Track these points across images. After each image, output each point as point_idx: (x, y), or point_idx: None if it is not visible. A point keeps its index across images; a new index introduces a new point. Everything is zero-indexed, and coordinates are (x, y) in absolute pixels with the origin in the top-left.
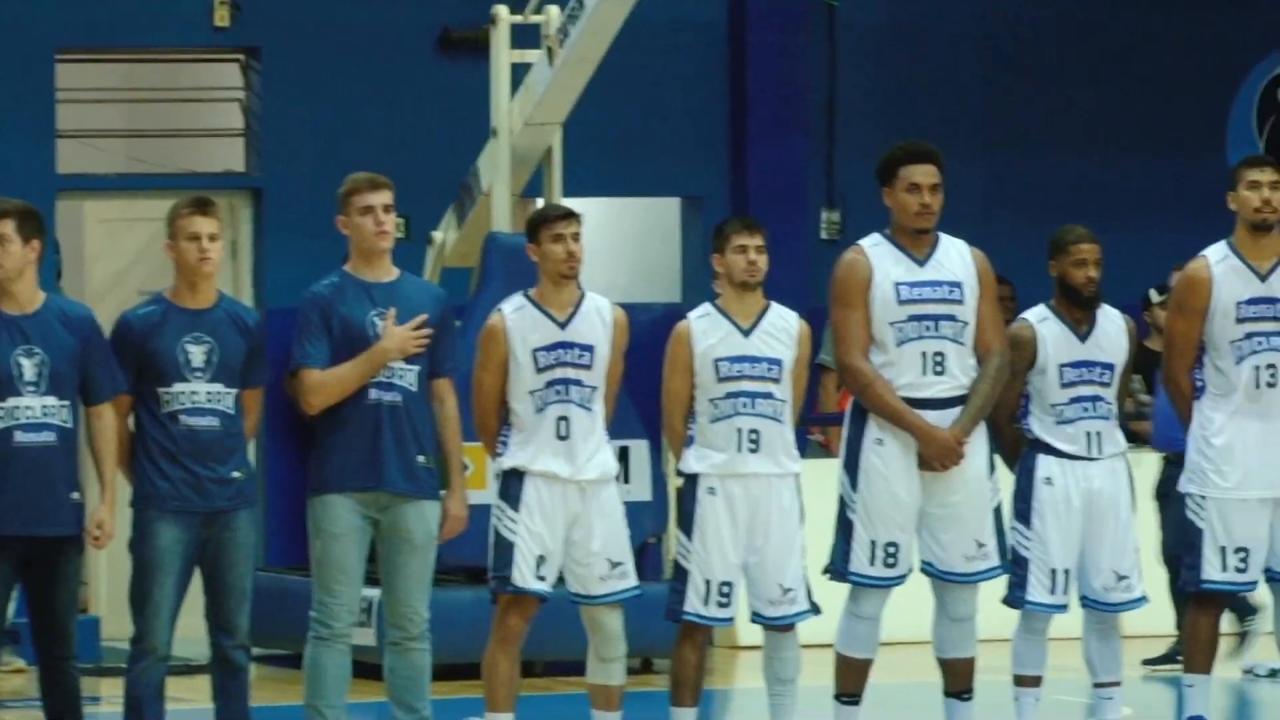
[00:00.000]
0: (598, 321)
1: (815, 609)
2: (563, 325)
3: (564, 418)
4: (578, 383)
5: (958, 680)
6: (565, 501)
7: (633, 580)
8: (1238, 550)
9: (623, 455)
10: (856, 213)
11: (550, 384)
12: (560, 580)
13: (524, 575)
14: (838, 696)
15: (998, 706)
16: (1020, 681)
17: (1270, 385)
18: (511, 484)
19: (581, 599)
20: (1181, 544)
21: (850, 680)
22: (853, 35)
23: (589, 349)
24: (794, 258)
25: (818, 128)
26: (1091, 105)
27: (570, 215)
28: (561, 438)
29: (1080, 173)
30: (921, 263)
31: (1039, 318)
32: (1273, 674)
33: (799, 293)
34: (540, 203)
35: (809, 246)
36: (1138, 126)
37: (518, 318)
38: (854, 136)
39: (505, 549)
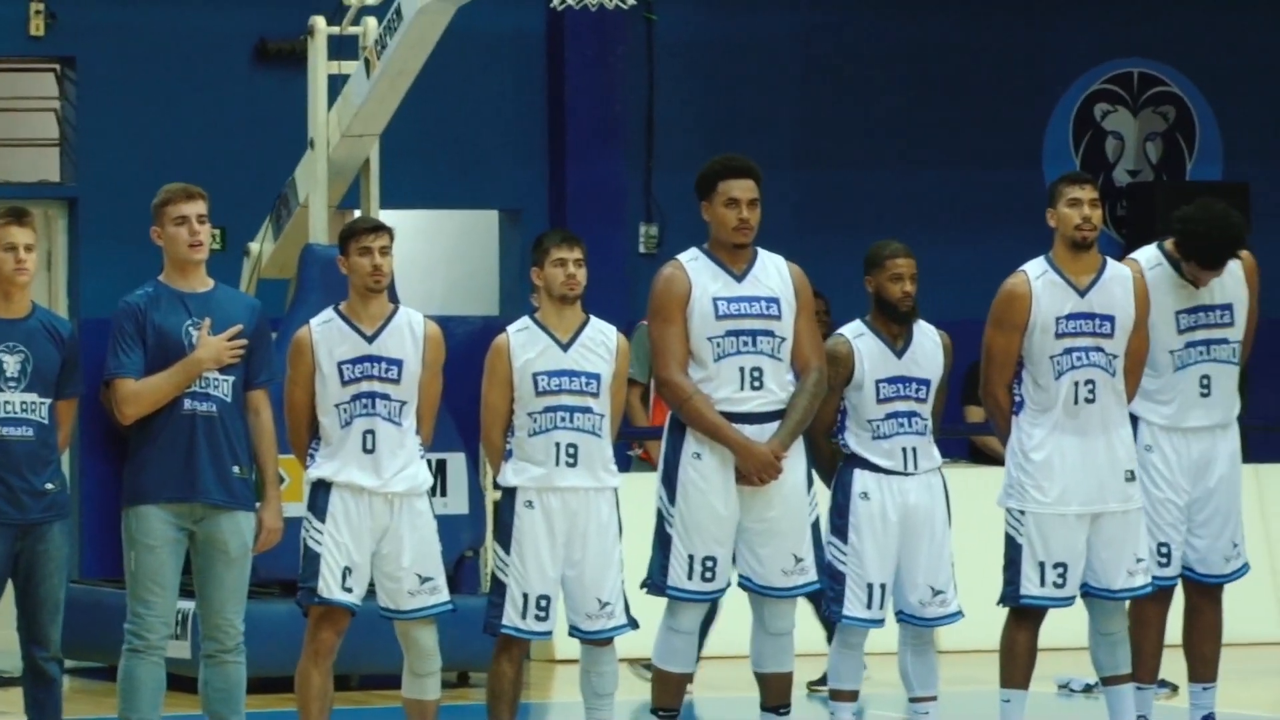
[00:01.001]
0: (408, 336)
1: (633, 623)
2: (370, 339)
3: (370, 431)
4: (385, 396)
5: (775, 695)
6: (372, 514)
7: (444, 595)
8: (1056, 565)
9: (440, 468)
10: (674, 227)
11: (356, 397)
12: (372, 593)
13: (329, 587)
14: (655, 711)
15: None
16: (836, 696)
17: (1089, 401)
18: (319, 496)
19: (391, 614)
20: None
21: (668, 695)
22: (671, 49)
23: (397, 363)
24: (612, 271)
25: (636, 141)
26: (908, 119)
27: (379, 229)
28: (367, 451)
29: (897, 187)
30: (739, 278)
31: (855, 333)
32: (1087, 689)
33: (617, 306)
34: (358, 214)
35: (627, 260)
36: (955, 141)
37: (324, 331)
38: (672, 150)
39: (312, 560)
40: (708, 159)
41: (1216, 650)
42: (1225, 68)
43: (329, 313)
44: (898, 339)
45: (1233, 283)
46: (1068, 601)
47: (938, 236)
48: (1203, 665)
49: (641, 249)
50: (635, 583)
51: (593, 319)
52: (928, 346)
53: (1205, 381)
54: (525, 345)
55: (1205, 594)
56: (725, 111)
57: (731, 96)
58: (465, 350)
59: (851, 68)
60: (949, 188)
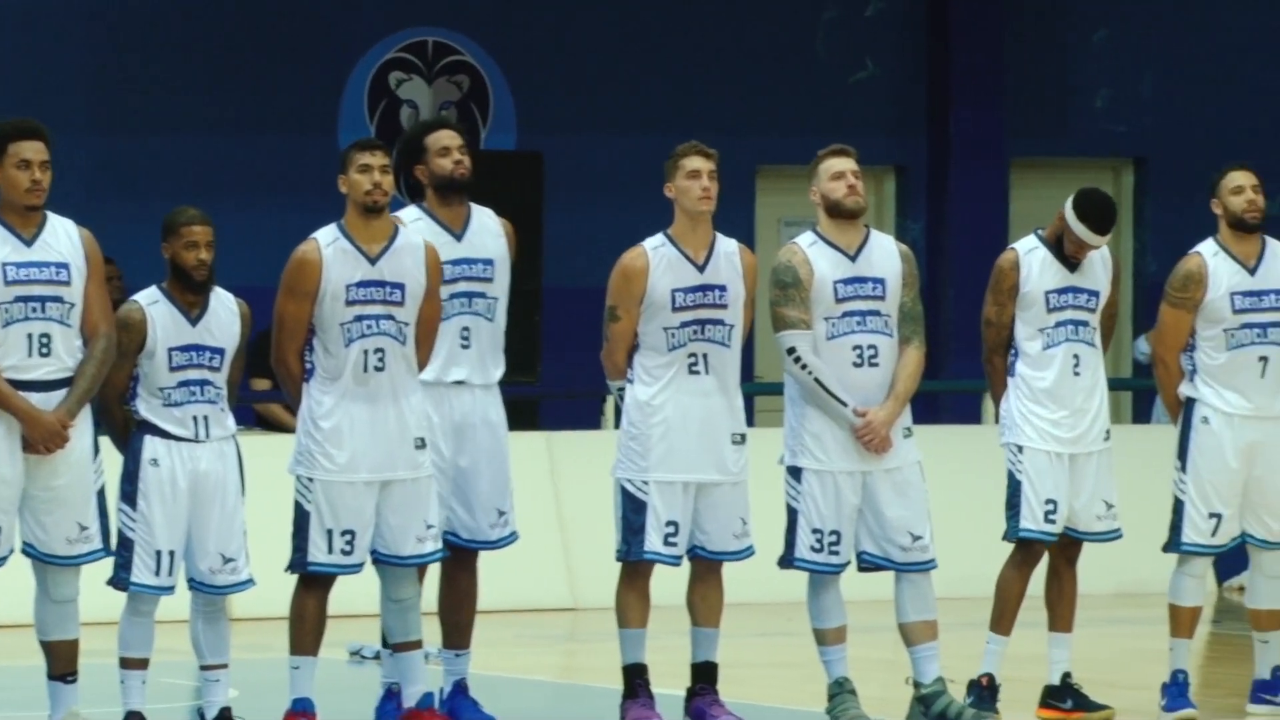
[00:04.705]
0: None
1: None
2: None
3: None
4: None
5: (61, 663)
6: None
7: None
8: (344, 533)
9: None
10: None
11: None
12: None
13: None
14: None
15: (104, 688)
16: (126, 664)
17: (378, 369)
18: None
19: None
20: None
21: None
22: None
23: None
24: None
25: None
26: (204, 83)
27: None
28: None
29: (193, 151)
30: (29, 243)
31: (150, 300)
32: (377, 655)
33: None
34: None
35: None
36: (251, 107)
37: None
38: None
39: None
40: None
41: (469, 617)
42: (519, 38)
43: None
44: (193, 307)
45: (494, 240)
46: (356, 568)
47: (235, 202)
48: (457, 632)
49: None
50: None
51: None
52: (224, 315)
53: (465, 334)
54: None
55: (461, 559)
56: (17, 73)
57: (22, 58)
58: None
59: (147, 30)
60: (245, 153)
